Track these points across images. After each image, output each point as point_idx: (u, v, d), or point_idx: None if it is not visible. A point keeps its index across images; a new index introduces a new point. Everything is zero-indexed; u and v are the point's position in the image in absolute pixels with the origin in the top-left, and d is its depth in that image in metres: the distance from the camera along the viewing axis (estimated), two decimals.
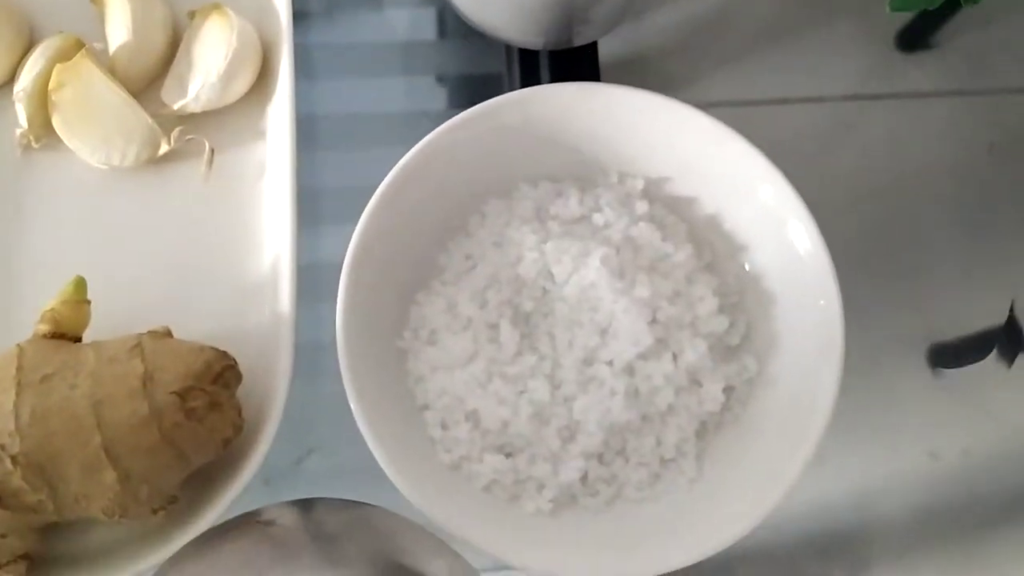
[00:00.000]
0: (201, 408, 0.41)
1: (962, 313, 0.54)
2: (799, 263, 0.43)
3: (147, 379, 0.40)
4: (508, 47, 0.55)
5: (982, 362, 0.53)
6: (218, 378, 0.41)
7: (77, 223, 0.48)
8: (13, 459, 0.38)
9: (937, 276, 0.54)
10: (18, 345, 0.41)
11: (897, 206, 0.55)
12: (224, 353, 0.42)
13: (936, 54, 0.58)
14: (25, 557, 0.41)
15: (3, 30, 0.48)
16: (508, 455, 0.44)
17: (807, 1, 0.58)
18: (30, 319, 0.42)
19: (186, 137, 0.48)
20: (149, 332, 0.42)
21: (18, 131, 0.48)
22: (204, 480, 0.43)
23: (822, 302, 0.42)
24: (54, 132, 0.48)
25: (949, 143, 0.56)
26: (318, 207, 0.51)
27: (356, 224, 0.43)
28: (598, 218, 0.45)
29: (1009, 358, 0.52)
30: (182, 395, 0.40)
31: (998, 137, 0.56)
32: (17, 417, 0.38)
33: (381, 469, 0.41)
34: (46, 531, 0.42)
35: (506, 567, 0.41)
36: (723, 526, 0.41)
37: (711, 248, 0.47)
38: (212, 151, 0.48)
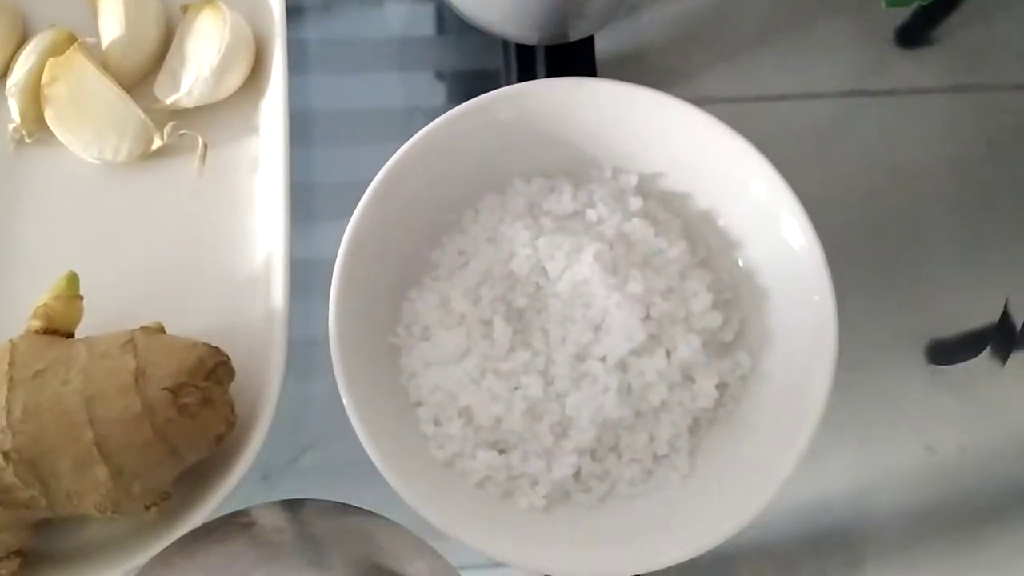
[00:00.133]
0: (194, 404, 0.40)
1: (959, 310, 0.54)
2: (793, 259, 0.43)
3: (139, 375, 0.40)
4: (505, 42, 0.55)
5: (977, 359, 0.53)
6: (211, 374, 0.41)
7: (70, 218, 0.48)
8: (5, 455, 0.38)
9: (934, 272, 0.54)
10: (10, 341, 0.41)
11: (895, 202, 0.55)
12: (217, 349, 0.42)
13: (935, 50, 0.58)
14: (18, 553, 0.41)
15: None
16: (501, 451, 0.44)
17: None
18: (22, 315, 0.42)
19: (179, 132, 0.48)
20: (142, 328, 0.42)
21: (11, 126, 0.48)
22: (197, 476, 0.43)
23: (816, 298, 0.42)
24: (47, 127, 0.48)
25: (947, 139, 0.56)
26: (312, 202, 0.51)
27: (349, 220, 0.43)
28: (591, 214, 0.45)
29: (1003, 356, 0.52)
30: (175, 391, 0.40)
31: (996, 133, 0.56)
32: (9, 413, 0.38)
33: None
34: (39, 527, 0.42)
35: (498, 564, 0.41)
36: (716, 522, 0.41)
37: (705, 244, 0.47)
38: (205, 146, 0.48)
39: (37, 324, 0.42)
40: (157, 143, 0.48)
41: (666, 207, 0.47)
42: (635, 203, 0.46)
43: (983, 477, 0.52)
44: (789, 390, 0.43)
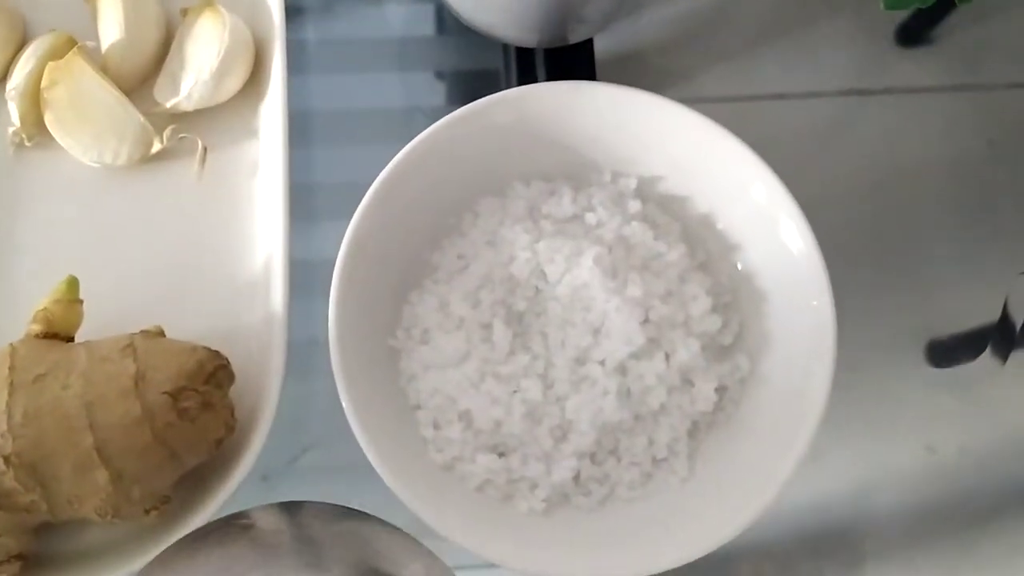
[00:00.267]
0: (194, 408, 0.41)
1: (959, 310, 0.54)
2: (792, 263, 0.43)
3: (139, 379, 0.40)
4: (504, 43, 0.55)
5: (977, 359, 0.53)
6: (211, 378, 0.41)
7: (69, 222, 0.48)
8: (6, 459, 0.38)
9: (934, 272, 0.54)
10: (11, 345, 0.41)
11: (894, 201, 0.55)
12: (217, 353, 0.42)
13: (934, 49, 0.58)
14: (19, 557, 0.41)
15: None
16: (501, 455, 0.44)
17: None
18: (23, 318, 0.42)
19: (179, 135, 0.48)
20: (141, 332, 0.42)
21: (10, 129, 0.48)
22: (197, 480, 0.43)
23: (815, 302, 0.42)
24: (46, 130, 0.48)
25: (947, 139, 0.56)
26: (312, 203, 0.51)
27: (350, 221, 0.43)
28: (591, 217, 0.45)
29: (1003, 355, 0.52)
30: (174, 395, 0.40)
31: (997, 133, 0.56)
32: (10, 417, 0.39)
33: None
34: (39, 531, 0.42)
35: (495, 566, 0.41)
36: (715, 526, 0.41)
37: (704, 247, 0.47)
38: (205, 149, 0.48)
39: (37, 328, 0.42)
40: (157, 146, 0.48)
41: (665, 211, 0.47)
42: (634, 206, 0.46)
43: (983, 477, 0.52)
44: (788, 393, 0.43)
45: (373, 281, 0.44)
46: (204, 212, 0.48)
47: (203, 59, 0.48)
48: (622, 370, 0.43)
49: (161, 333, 0.43)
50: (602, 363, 0.43)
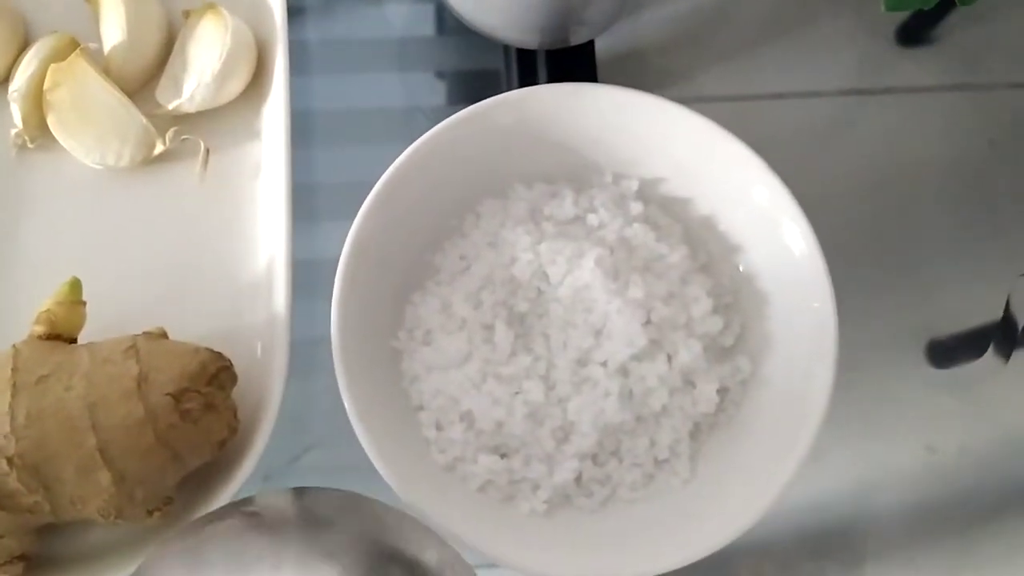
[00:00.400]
0: (196, 410, 0.41)
1: (959, 309, 0.54)
2: (793, 264, 0.43)
3: (142, 380, 0.40)
4: (505, 44, 0.55)
5: (977, 359, 0.53)
6: (213, 379, 0.42)
7: (72, 224, 0.48)
8: (9, 461, 0.38)
9: (934, 272, 0.54)
10: (14, 346, 0.41)
11: (894, 201, 0.55)
12: (219, 354, 0.42)
13: (935, 49, 0.58)
14: (22, 558, 0.41)
15: None
16: (503, 456, 0.44)
17: None
18: (25, 320, 0.42)
19: (181, 137, 0.48)
20: (144, 333, 0.42)
21: (13, 131, 0.48)
22: (200, 481, 0.43)
23: (816, 304, 0.42)
24: (49, 132, 0.48)
25: (947, 139, 0.56)
26: (314, 202, 0.51)
27: (352, 221, 0.43)
28: (592, 219, 0.45)
29: (1005, 355, 0.52)
30: (177, 396, 0.40)
31: (997, 133, 0.56)
32: (13, 418, 0.39)
33: None
34: (42, 532, 0.42)
35: (499, 566, 0.41)
36: (717, 527, 0.41)
37: (706, 249, 0.47)
38: (207, 151, 0.48)
39: (40, 329, 0.42)
40: (159, 148, 0.48)
41: (667, 212, 0.47)
42: (636, 208, 0.46)
43: (983, 477, 0.52)
44: (789, 395, 0.43)
45: (375, 282, 0.44)
46: (206, 213, 0.48)
47: (205, 61, 0.48)
48: (624, 371, 0.43)
49: (164, 334, 0.43)
50: (604, 364, 0.43)
